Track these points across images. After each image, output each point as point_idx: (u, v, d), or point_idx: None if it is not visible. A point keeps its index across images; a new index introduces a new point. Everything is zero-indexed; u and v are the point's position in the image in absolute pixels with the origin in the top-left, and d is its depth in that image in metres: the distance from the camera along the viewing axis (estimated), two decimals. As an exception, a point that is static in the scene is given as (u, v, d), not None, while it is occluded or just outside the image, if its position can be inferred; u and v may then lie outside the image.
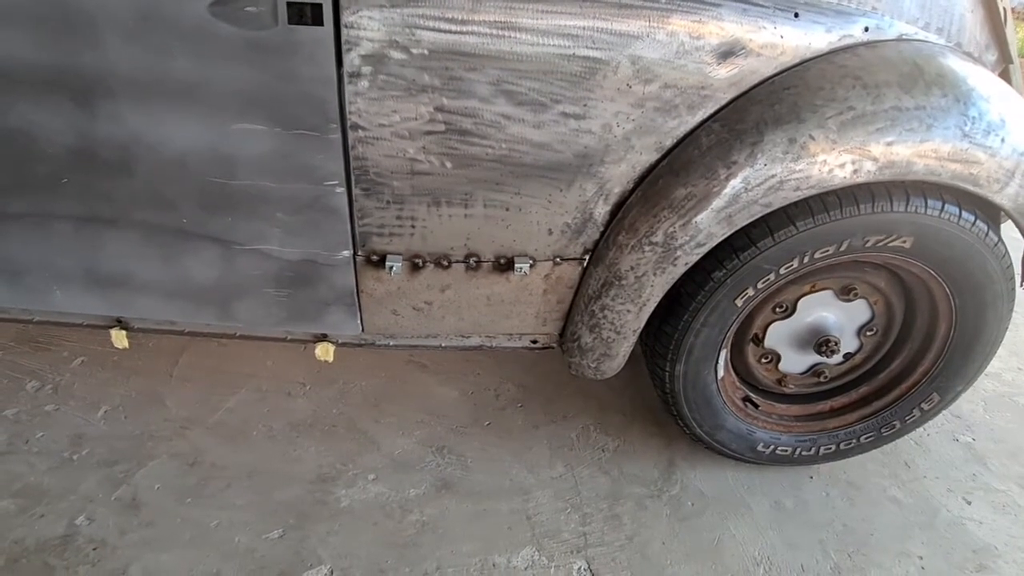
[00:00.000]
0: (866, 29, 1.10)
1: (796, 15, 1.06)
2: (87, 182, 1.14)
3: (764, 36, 1.06)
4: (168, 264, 1.23)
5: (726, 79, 1.08)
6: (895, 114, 1.05)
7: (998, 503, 1.43)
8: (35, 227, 1.20)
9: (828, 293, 1.30)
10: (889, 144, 1.05)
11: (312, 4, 0.99)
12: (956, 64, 1.12)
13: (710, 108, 1.10)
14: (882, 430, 1.41)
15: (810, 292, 1.30)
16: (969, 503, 1.42)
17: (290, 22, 1.00)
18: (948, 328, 1.29)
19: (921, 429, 1.50)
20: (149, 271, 1.24)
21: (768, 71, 1.08)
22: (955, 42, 1.19)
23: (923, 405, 1.38)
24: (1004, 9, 1.29)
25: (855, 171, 1.06)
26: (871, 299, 1.31)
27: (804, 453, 1.43)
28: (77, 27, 1.00)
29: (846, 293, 1.30)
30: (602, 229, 1.20)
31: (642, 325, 1.25)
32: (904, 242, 1.14)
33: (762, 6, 1.04)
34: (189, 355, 1.67)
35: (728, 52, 1.06)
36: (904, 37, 1.13)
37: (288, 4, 0.99)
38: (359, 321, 1.30)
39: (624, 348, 1.29)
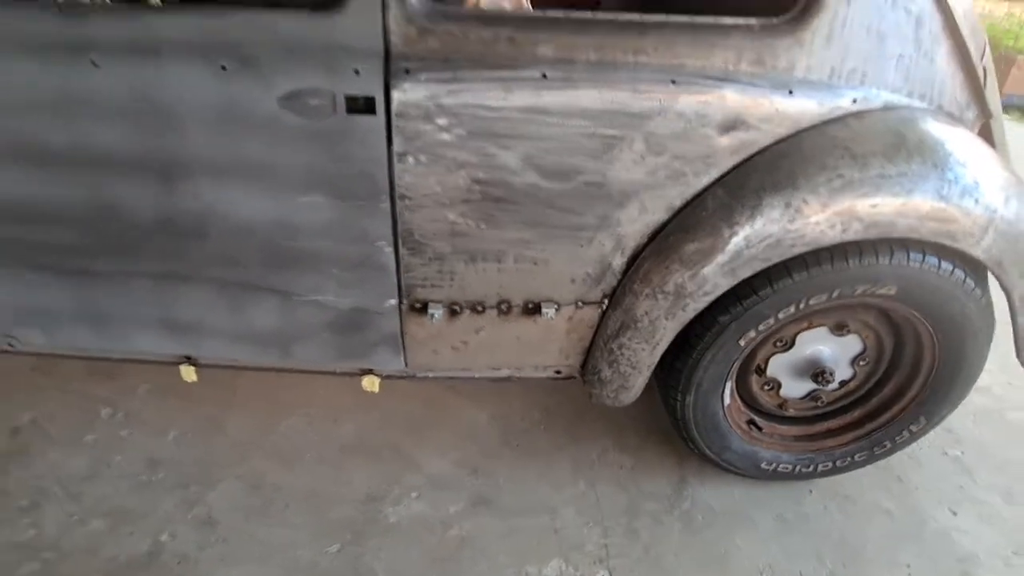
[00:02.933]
0: (854, 100, 1.23)
1: (790, 92, 1.20)
2: (167, 245, 1.30)
3: (762, 111, 1.20)
4: (236, 313, 1.39)
5: (728, 149, 1.22)
6: (879, 180, 1.19)
7: (983, 514, 1.57)
8: (121, 282, 1.37)
9: (823, 329, 1.44)
10: (874, 207, 1.19)
11: (366, 97, 1.14)
12: (936, 130, 1.25)
13: (714, 174, 1.24)
14: (874, 449, 1.55)
15: (807, 328, 1.44)
16: (955, 514, 1.57)
17: (348, 112, 1.15)
18: (932, 360, 1.43)
19: (913, 443, 1.64)
20: (219, 318, 1.40)
21: (766, 141, 1.22)
22: (936, 104, 1.32)
23: (912, 427, 1.52)
24: (984, 68, 1.41)
25: (844, 230, 1.20)
26: (863, 334, 1.45)
27: (804, 470, 1.57)
28: (166, 120, 1.16)
29: (840, 329, 1.44)
30: (619, 277, 1.35)
31: (656, 361, 1.40)
32: (889, 290, 1.28)
33: (760, 86, 1.18)
34: (244, 382, 1.84)
35: (730, 126, 1.20)
36: (889, 105, 1.26)
37: (346, 97, 1.14)
38: (403, 359, 1.46)
39: (639, 381, 1.44)
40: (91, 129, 1.18)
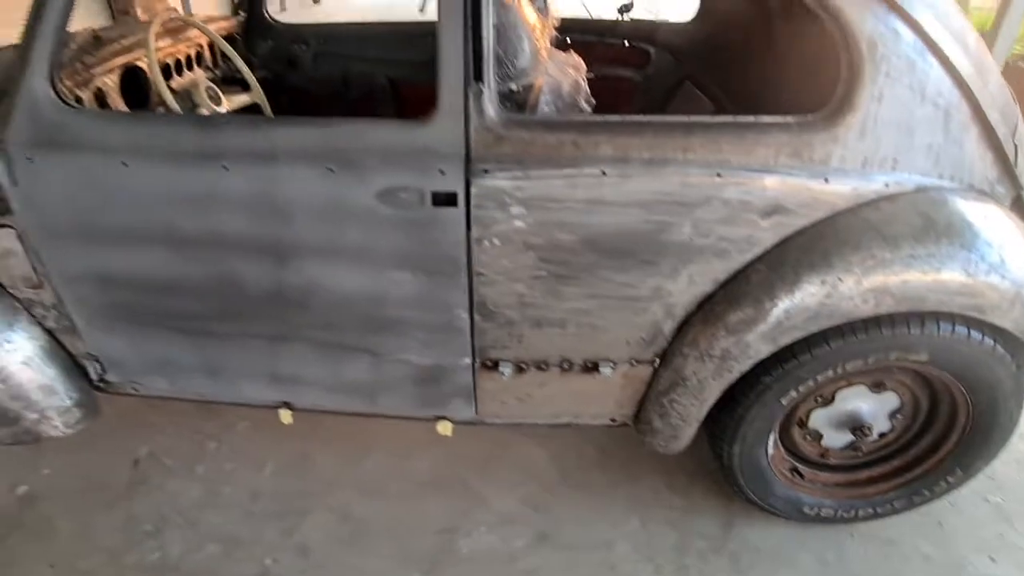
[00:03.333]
0: (886, 184, 1.35)
1: (826, 180, 1.33)
2: (277, 312, 1.52)
3: (800, 198, 1.33)
4: (331, 367, 1.60)
5: (769, 230, 1.35)
6: (909, 260, 1.30)
7: (1021, 561, 1.64)
8: (236, 341, 1.59)
9: (862, 387, 1.55)
10: (905, 283, 1.31)
11: (449, 193, 1.33)
12: (965, 210, 1.36)
13: (756, 251, 1.38)
14: (913, 497, 1.65)
15: (846, 386, 1.56)
16: (994, 561, 1.64)
17: (434, 205, 1.34)
18: (966, 418, 1.52)
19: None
20: (316, 372, 1.62)
21: (804, 223, 1.35)
22: (967, 183, 1.42)
23: (948, 478, 1.61)
24: (1015, 145, 1.51)
25: (877, 305, 1.32)
26: (900, 391, 1.56)
27: (845, 515, 1.68)
28: (281, 212, 1.38)
29: (877, 387, 1.55)
30: (670, 340, 1.50)
31: (703, 415, 1.54)
32: (922, 356, 1.40)
33: (798, 176, 1.32)
34: (329, 420, 2.05)
35: (771, 211, 1.34)
36: (921, 187, 1.38)
37: (432, 193, 1.33)
38: (474, 408, 1.64)
39: (688, 432, 1.58)
40: (219, 219, 1.41)
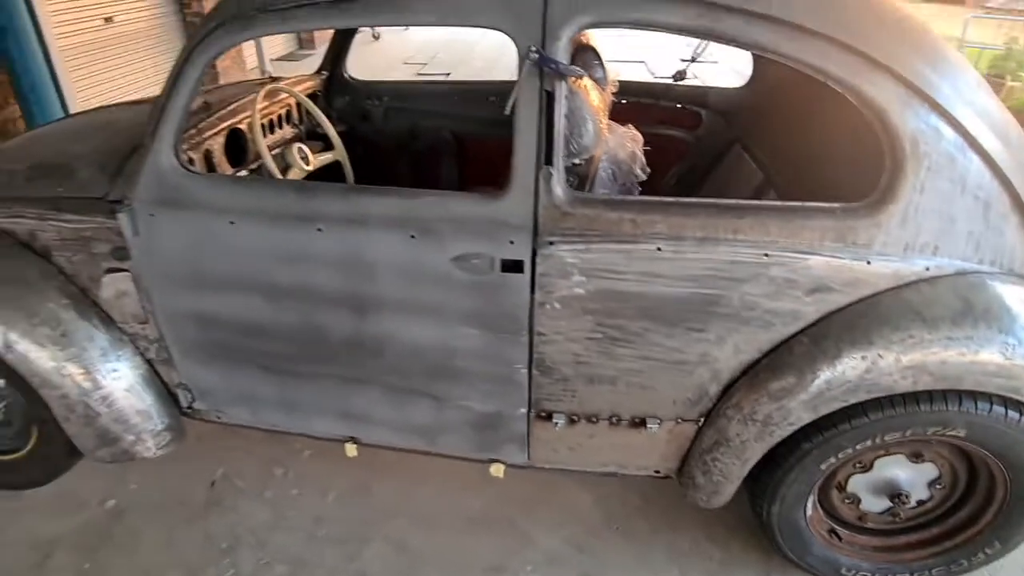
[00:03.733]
0: (927, 268, 1.43)
1: (868, 262, 1.42)
2: (354, 357, 1.68)
3: (843, 278, 1.43)
4: (398, 409, 1.75)
5: (813, 306, 1.45)
6: (947, 342, 1.38)
7: (1061, 637, 1.66)
8: (314, 381, 1.76)
9: (901, 456, 1.62)
10: (943, 364, 1.38)
11: (516, 260, 1.47)
12: (1004, 294, 1.43)
13: (800, 325, 1.47)
14: (951, 566, 1.69)
15: (885, 455, 1.62)
16: (1033, 635, 1.67)
17: (502, 271, 1.49)
18: (1005, 492, 1.57)
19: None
20: (384, 412, 1.77)
21: (846, 301, 1.45)
22: (1008, 267, 1.50)
23: (987, 549, 1.65)
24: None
25: (915, 382, 1.40)
26: (938, 462, 1.62)
27: (882, 578, 1.73)
28: (367, 270, 1.55)
29: (916, 457, 1.61)
30: (715, 401, 1.59)
31: (745, 474, 1.62)
32: (959, 432, 1.46)
33: (842, 258, 1.42)
34: (387, 452, 2.19)
35: (815, 289, 1.44)
36: (961, 271, 1.45)
37: (501, 260, 1.48)
38: (527, 454, 1.77)
39: (730, 489, 1.66)
40: (311, 274, 1.58)
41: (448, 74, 8.06)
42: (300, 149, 1.95)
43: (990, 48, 8.11)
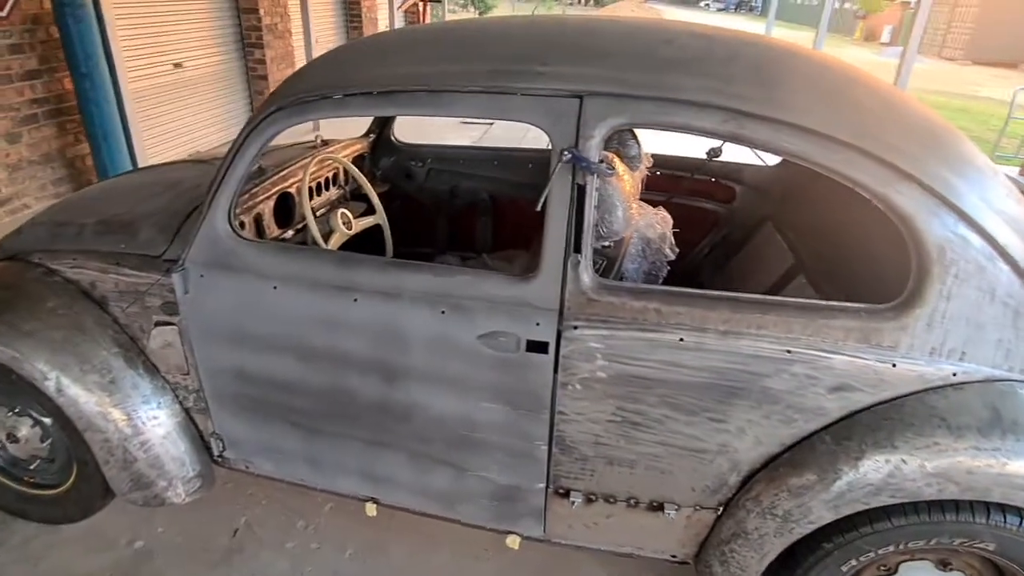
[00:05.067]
0: (954, 374, 1.43)
1: (894, 365, 1.42)
2: (380, 421, 1.73)
3: (867, 379, 1.42)
4: (419, 474, 1.78)
5: (836, 404, 1.45)
6: (974, 452, 1.36)
7: None
8: (340, 440, 1.81)
9: (927, 563, 1.57)
10: (969, 473, 1.36)
11: (542, 342, 1.52)
12: (1035, 405, 1.41)
13: (823, 421, 1.47)
14: None
15: (910, 559, 1.58)
16: None
17: (527, 351, 1.53)
18: (1038, 611, 1.51)
19: None
20: (405, 476, 1.80)
21: (870, 401, 1.44)
22: (1041, 376, 1.47)
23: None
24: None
25: (940, 490, 1.38)
26: (967, 572, 1.57)
27: None
28: (398, 341, 1.61)
29: (943, 566, 1.56)
30: (734, 491, 1.59)
31: (763, 568, 1.60)
32: (988, 546, 1.42)
33: (866, 359, 1.42)
34: (405, 513, 2.22)
35: (838, 388, 1.44)
36: (990, 379, 1.44)
37: (527, 341, 1.52)
38: (543, 528, 1.77)
39: (747, 582, 1.63)
40: (344, 340, 1.65)
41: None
42: (344, 215, 2.05)
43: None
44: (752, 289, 2.30)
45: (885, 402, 1.44)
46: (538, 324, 1.51)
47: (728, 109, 1.38)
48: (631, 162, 2.23)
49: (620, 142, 2.19)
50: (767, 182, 2.59)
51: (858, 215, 1.89)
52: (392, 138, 2.84)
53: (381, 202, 2.33)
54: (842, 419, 1.46)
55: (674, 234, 2.09)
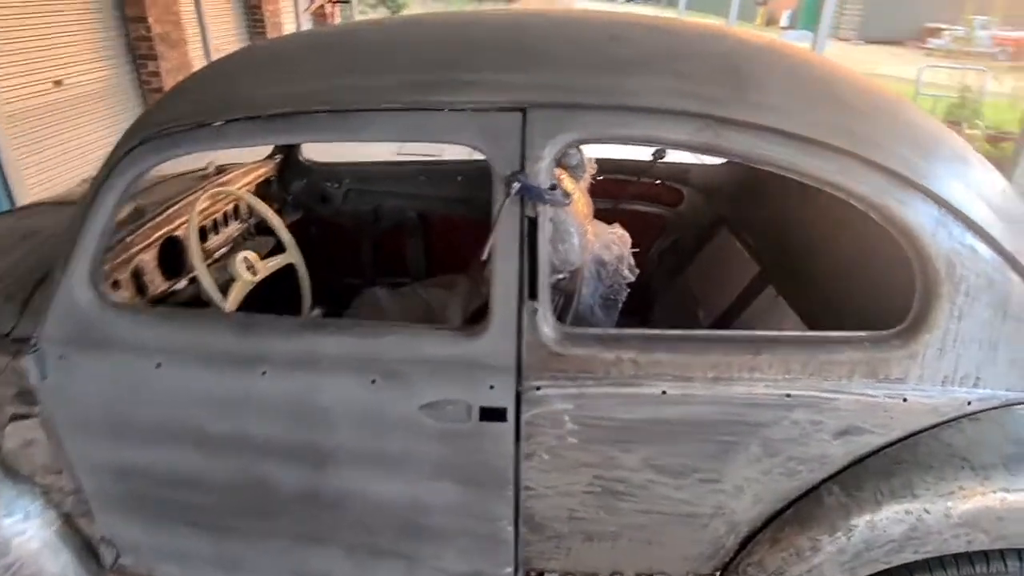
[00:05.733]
0: (969, 403, 1.26)
1: (904, 399, 1.23)
2: (307, 513, 1.42)
3: (876, 418, 1.24)
4: (362, 571, 1.48)
5: (843, 449, 1.25)
6: (1003, 494, 1.19)
7: None
8: (259, 539, 1.49)
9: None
10: (1000, 520, 1.19)
11: (498, 408, 1.25)
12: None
13: (828, 470, 1.27)
14: None
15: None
16: None
17: (481, 419, 1.26)
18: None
19: None
20: (346, 574, 1.50)
21: (880, 443, 1.25)
22: (1056, 393, 1.33)
23: None
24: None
25: (969, 542, 1.20)
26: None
27: None
28: (320, 419, 1.30)
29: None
30: (732, 555, 1.37)
31: (770, 639, 1.39)
32: (1021, 595, 1.26)
33: (873, 396, 1.23)
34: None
35: (844, 432, 1.24)
36: (1007, 403, 1.27)
37: (480, 408, 1.25)
38: (515, 615, 1.51)
39: (753, 655, 1.42)
40: (252, 422, 1.33)
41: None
42: (246, 259, 1.71)
43: (944, 96, 8.36)
44: (714, 302, 2.12)
45: (896, 442, 1.26)
46: (492, 387, 1.24)
47: (703, 116, 1.15)
48: (574, 172, 2.00)
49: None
50: (715, 182, 2.41)
51: (824, 213, 1.72)
52: (301, 158, 2.50)
53: (295, 232, 2.00)
54: (850, 466, 1.27)
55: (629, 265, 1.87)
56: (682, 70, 1.21)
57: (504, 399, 1.24)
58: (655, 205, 2.52)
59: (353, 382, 1.27)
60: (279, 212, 2.43)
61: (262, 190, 2.36)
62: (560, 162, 1.91)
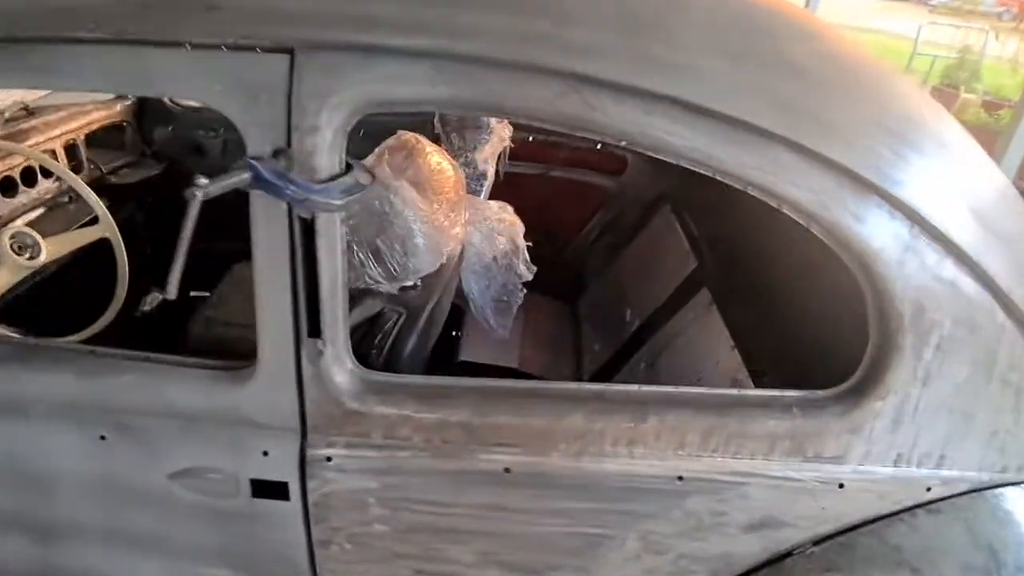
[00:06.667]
0: (927, 489, 0.92)
1: (841, 486, 0.89)
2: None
3: (800, 509, 0.90)
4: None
5: (755, 547, 0.92)
6: (964, 624, 0.87)
7: None
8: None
9: None
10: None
11: (275, 483, 0.89)
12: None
13: (735, 571, 0.94)
14: None
15: None
16: None
17: (254, 495, 0.90)
18: None
19: None
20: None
21: (804, 538, 0.92)
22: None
23: None
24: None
25: None
26: None
27: None
28: (37, 483, 0.94)
29: None
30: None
31: None
32: None
33: (799, 480, 0.88)
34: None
35: (757, 526, 0.90)
36: (976, 487, 0.94)
37: (251, 481, 0.89)
38: None
39: None
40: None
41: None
42: (18, 235, 1.30)
43: (943, 57, 7.90)
44: (645, 300, 1.76)
45: (826, 538, 0.92)
46: (265, 454, 0.87)
47: (564, 73, 0.75)
48: (476, 136, 1.59)
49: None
50: None
51: (779, 228, 1.34)
52: (166, 99, 2.04)
53: (158, 192, 1.57)
54: (764, 566, 0.94)
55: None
56: (546, 5, 0.80)
57: (283, 470, 0.88)
58: (594, 174, 2.12)
59: (74, 439, 0.89)
60: (135, 167, 2.00)
61: (112, 138, 1.92)
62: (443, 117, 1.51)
